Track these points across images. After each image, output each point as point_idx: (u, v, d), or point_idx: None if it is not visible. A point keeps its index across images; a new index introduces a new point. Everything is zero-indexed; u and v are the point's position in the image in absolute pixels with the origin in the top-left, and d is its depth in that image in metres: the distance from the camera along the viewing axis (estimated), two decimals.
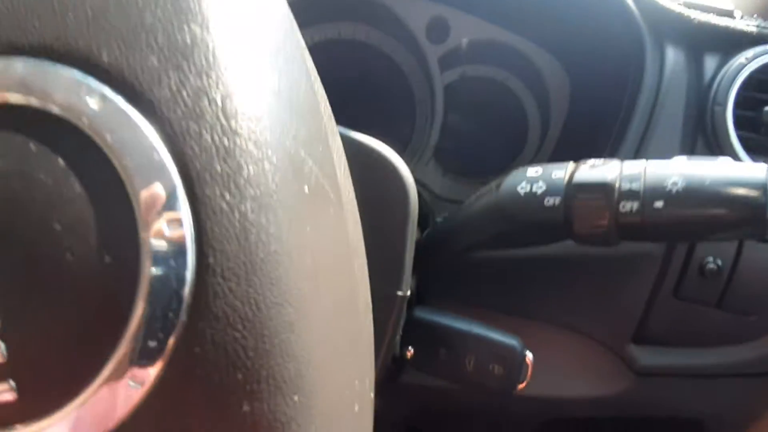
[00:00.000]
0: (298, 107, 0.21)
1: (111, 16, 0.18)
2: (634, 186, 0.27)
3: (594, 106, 0.43)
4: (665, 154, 0.37)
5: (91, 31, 0.18)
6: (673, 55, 0.37)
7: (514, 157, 0.47)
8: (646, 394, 0.37)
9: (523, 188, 0.29)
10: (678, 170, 0.26)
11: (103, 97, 0.17)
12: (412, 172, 0.48)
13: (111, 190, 0.17)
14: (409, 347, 0.35)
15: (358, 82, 0.49)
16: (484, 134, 0.48)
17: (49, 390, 0.16)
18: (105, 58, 0.18)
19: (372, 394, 0.27)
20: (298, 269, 0.18)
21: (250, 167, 0.18)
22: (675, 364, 0.38)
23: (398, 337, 0.34)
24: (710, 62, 0.38)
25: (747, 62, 0.37)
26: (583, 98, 0.44)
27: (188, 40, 0.18)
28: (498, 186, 0.31)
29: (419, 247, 0.32)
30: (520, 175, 0.30)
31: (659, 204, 0.26)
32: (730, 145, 0.36)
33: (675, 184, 0.26)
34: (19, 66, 0.17)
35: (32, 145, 0.17)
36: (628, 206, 0.26)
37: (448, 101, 0.47)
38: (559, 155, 0.45)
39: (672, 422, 0.35)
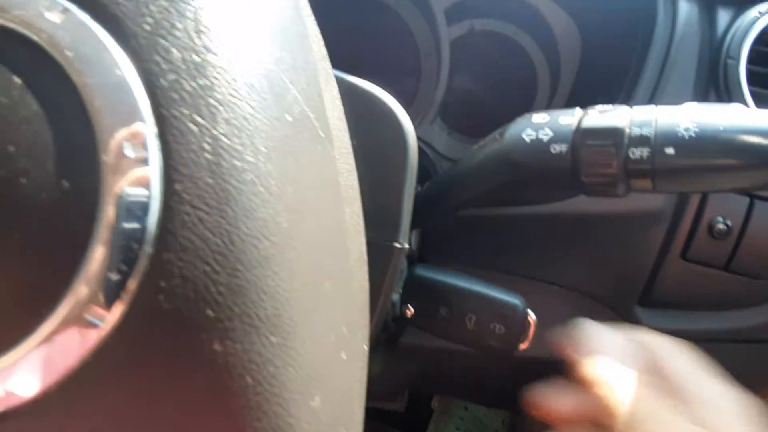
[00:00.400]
0: (283, 33, 0.19)
1: None
2: (645, 132, 0.25)
3: (605, 62, 0.40)
4: None
5: None
6: (685, 8, 0.35)
7: (522, 114, 0.45)
8: None
9: (529, 135, 0.27)
10: (690, 116, 0.24)
11: (65, 11, 0.16)
12: (417, 130, 0.46)
13: (71, 110, 0.15)
14: (409, 306, 0.34)
15: (362, 37, 0.46)
16: (492, 91, 0.45)
17: (2, 327, 0.15)
18: None
19: (365, 347, 0.26)
20: (278, 201, 0.17)
21: (224, 87, 0.16)
22: (681, 328, 0.36)
23: (397, 294, 0.33)
24: (723, 15, 0.36)
25: (760, 15, 0.34)
26: (593, 53, 0.42)
27: None
28: (502, 134, 0.29)
29: (420, 199, 0.31)
30: (525, 122, 0.28)
31: (670, 150, 0.24)
32: (743, 100, 0.34)
33: (687, 130, 0.24)
34: None
35: None
36: (638, 153, 0.25)
37: (455, 57, 0.45)
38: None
39: None
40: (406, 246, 0.29)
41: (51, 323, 0.15)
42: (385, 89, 0.47)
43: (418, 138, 0.45)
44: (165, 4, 0.16)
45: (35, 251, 0.15)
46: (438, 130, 0.46)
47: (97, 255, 0.15)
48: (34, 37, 0.15)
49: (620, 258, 0.36)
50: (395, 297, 0.34)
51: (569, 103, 0.43)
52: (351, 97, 0.29)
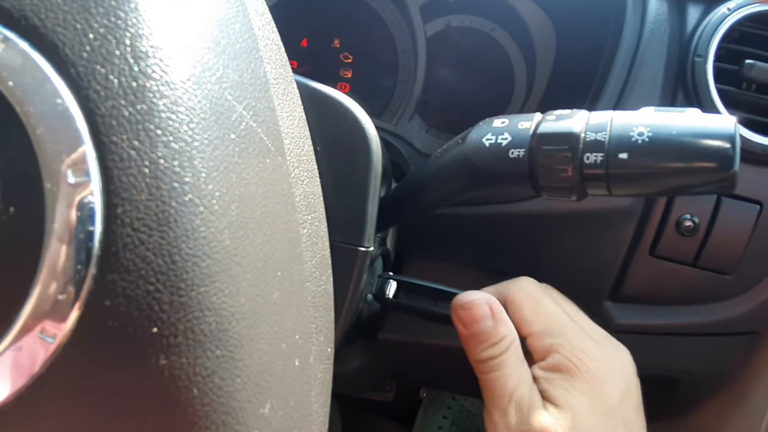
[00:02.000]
0: (228, 48, 0.20)
1: None
2: (599, 137, 0.25)
3: (579, 57, 0.40)
4: (645, 105, 0.35)
5: None
6: (654, 5, 0.35)
7: (501, 111, 0.45)
8: None
9: (488, 139, 0.28)
10: (644, 121, 0.24)
11: (5, 40, 0.16)
12: (395, 127, 0.47)
13: (13, 138, 0.16)
14: (390, 282, 0.35)
15: (339, 33, 0.46)
16: (469, 88, 0.46)
17: None
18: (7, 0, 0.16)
19: (330, 349, 0.26)
20: (219, 220, 0.17)
21: (162, 111, 0.16)
22: (651, 323, 0.37)
23: (367, 293, 0.34)
24: (693, 12, 0.36)
25: (729, 12, 0.34)
26: (568, 49, 0.42)
27: None
28: (464, 138, 0.29)
29: (386, 201, 0.31)
30: (486, 127, 0.28)
31: (624, 155, 0.24)
32: (710, 99, 0.34)
33: (641, 134, 0.24)
34: None
35: None
36: (593, 158, 0.25)
37: (432, 53, 0.45)
38: (545, 108, 0.43)
39: (648, 379, 0.34)
40: (371, 248, 0.29)
41: (4, 342, 0.16)
42: (362, 85, 0.47)
43: (396, 135, 0.46)
44: (102, 31, 0.16)
45: None
46: (416, 127, 0.46)
47: (45, 277, 0.15)
48: None
49: (590, 254, 0.36)
50: (369, 297, 0.35)
51: (546, 98, 0.43)
52: (314, 104, 0.30)
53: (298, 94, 0.27)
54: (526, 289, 0.32)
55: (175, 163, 0.16)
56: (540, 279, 0.37)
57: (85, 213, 0.15)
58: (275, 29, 0.26)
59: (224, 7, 0.20)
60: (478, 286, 0.40)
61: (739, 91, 0.34)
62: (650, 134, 0.24)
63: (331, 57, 0.46)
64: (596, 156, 0.25)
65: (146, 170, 0.16)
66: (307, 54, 0.46)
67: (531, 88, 0.44)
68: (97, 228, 0.16)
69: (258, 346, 0.18)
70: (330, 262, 0.27)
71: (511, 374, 0.30)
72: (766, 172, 0.34)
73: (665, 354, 0.38)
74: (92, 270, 0.16)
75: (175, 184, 0.16)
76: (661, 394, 0.41)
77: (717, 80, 0.34)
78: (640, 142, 0.24)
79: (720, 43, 0.34)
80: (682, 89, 0.35)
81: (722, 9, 0.34)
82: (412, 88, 0.45)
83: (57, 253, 0.15)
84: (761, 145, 0.33)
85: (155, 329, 0.16)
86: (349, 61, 0.46)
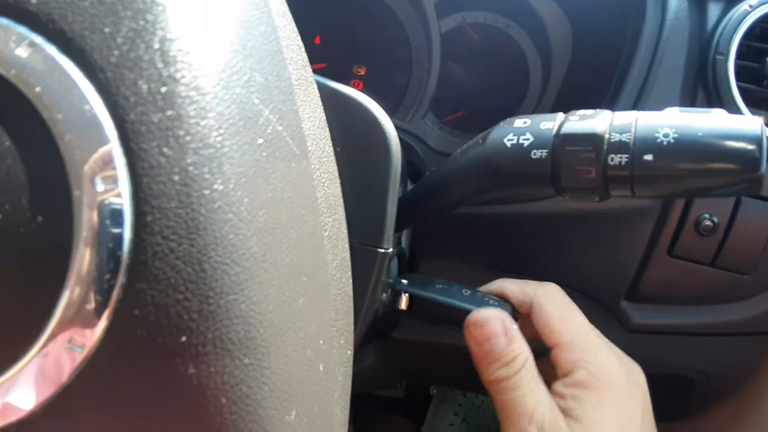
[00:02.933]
0: (254, 50, 0.19)
1: None
2: (624, 138, 0.25)
3: (597, 54, 0.40)
4: (665, 105, 0.34)
5: None
6: (675, 1, 0.34)
7: (515, 109, 0.45)
8: (638, 351, 0.35)
9: (510, 140, 0.27)
10: (669, 122, 0.24)
11: (33, 45, 0.16)
12: (408, 124, 0.46)
13: (42, 145, 0.15)
14: (402, 295, 0.34)
15: (353, 30, 0.46)
16: (484, 84, 0.45)
17: None
18: (34, 3, 0.16)
19: (349, 351, 0.26)
20: (248, 226, 0.17)
21: (192, 117, 0.16)
22: (668, 322, 0.36)
23: (383, 294, 0.33)
24: (714, 9, 0.35)
25: (751, 9, 0.33)
26: (585, 46, 0.41)
27: None
28: (485, 138, 0.29)
29: (405, 202, 0.31)
30: (507, 127, 0.28)
31: (649, 157, 0.24)
32: (731, 97, 0.33)
33: (666, 136, 0.24)
34: None
35: None
36: (617, 159, 0.25)
37: (447, 50, 0.45)
38: (560, 106, 0.43)
39: (664, 378, 0.34)
40: (391, 250, 0.29)
41: (33, 349, 0.15)
42: (377, 82, 0.47)
43: (410, 133, 0.45)
44: (131, 35, 0.16)
45: (17, 283, 0.15)
46: (430, 125, 0.46)
47: (73, 286, 0.15)
48: (3, 73, 0.15)
49: (607, 254, 0.36)
50: (384, 296, 0.35)
51: (561, 96, 0.43)
52: (334, 104, 0.29)
53: (319, 95, 0.26)
54: (557, 298, 0.31)
55: (205, 169, 0.16)
56: (557, 278, 0.37)
57: (114, 221, 0.15)
58: (296, 29, 0.26)
59: (249, 9, 0.20)
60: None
61: (761, 89, 0.33)
62: (676, 135, 0.24)
63: (344, 54, 0.46)
64: (621, 157, 0.24)
65: (176, 177, 0.16)
66: (321, 51, 0.46)
67: (546, 86, 0.43)
68: (126, 236, 0.15)
69: (285, 353, 0.18)
70: (349, 264, 0.26)
71: (527, 394, 0.29)
72: None
73: (681, 354, 0.37)
74: (121, 279, 0.15)
75: (205, 192, 0.16)
76: (676, 394, 0.41)
77: (738, 78, 0.33)
78: (665, 143, 0.24)
79: (741, 40, 0.33)
80: (703, 87, 0.34)
81: (744, 6, 0.34)
82: (426, 85, 0.45)
83: (85, 262, 0.15)
84: None
85: (184, 338, 0.16)
86: (363, 58, 0.46)
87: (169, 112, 0.16)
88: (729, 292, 0.35)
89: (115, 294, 0.15)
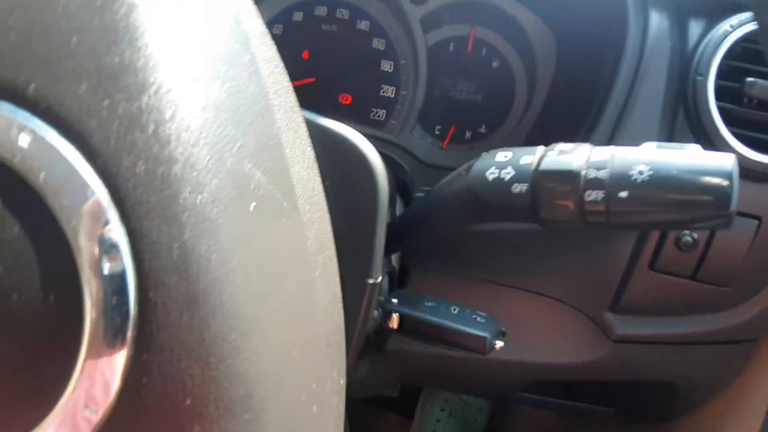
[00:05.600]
0: (244, 115, 0.21)
1: (36, 42, 0.18)
2: (600, 174, 0.26)
3: (581, 69, 0.41)
4: (647, 123, 0.36)
5: (16, 60, 0.18)
6: (657, 20, 0.36)
7: (501, 120, 0.46)
8: (622, 360, 0.38)
9: (492, 173, 0.29)
10: (645, 159, 0.26)
11: (33, 132, 0.17)
12: (397, 137, 0.48)
13: (49, 229, 0.17)
14: (393, 315, 0.36)
15: (340, 44, 0.47)
16: (470, 97, 0.46)
17: (13, 420, 0.17)
18: (33, 88, 0.17)
19: (342, 381, 0.28)
20: (243, 291, 0.19)
21: (188, 195, 0.17)
22: (651, 332, 0.38)
23: (374, 312, 0.35)
24: (695, 28, 0.36)
25: (732, 30, 0.35)
26: (569, 60, 0.43)
27: (117, 63, 0.18)
28: (468, 169, 0.30)
29: (395, 228, 0.33)
30: (489, 160, 0.29)
31: (624, 194, 0.25)
32: (710, 117, 0.35)
33: (641, 173, 0.25)
34: None
35: None
36: (594, 195, 0.26)
37: (433, 64, 0.46)
38: (545, 118, 0.44)
39: (647, 385, 0.36)
40: (380, 280, 0.31)
41: (53, 418, 0.17)
42: (365, 96, 0.48)
43: (399, 146, 0.47)
44: (127, 119, 0.17)
45: (34, 358, 0.17)
46: (418, 137, 0.47)
47: (87, 358, 0.17)
48: (7, 161, 0.17)
49: (591, 268, 0.38)
50: (375, 314, 0.36)
51: (546, 108, 0.44)
52: (322, 140, 0.30)
53: (307, 133, 0.28)
54: None
55: (202, 243, 0.18)
56: (542, 290, 0.39)
57: (120, 297, 0.17)
58: (283, 68, 0.27)
59: (239, 75, 0.21)
60: (481, 299, 0.42)
61: (740, 109, 0.35)
62: (651, 173, 0.25)
63: (332, 68, 0.47)
64: (597, 193, 0.26)
65: (175, 253, 0.17)
66: (309, 65, 0.47)
67: (532, 98, 0.45)
68: (132, 310, 0.17)
69: (281, 404, 0.20)
70: (340, 296, 0.28)
71: None
72: (765, 188, 0.35)
73: (665, 362, 0.40)
74: (129, 351, 0.17)
75: (203, 263, 0.17)
76: (659, 397, 0.43)
77: (718, 97, 0.35)
78: (639, 180, 0.25)
79: (722, 60, 0.35)
80: (683, 106, 0.36)
81: (724, 26, 0.35)
82: (413, 99, 0.46)
83: (96, 335, 0.17)
84: (761, 163, 0.34)
85: (189, 401, 0.17)
86: (351, 73, 0.47)
87: (167, 192, 0.17)
88: (709, 304, 0.37)
89: (124, 365, 0.17)
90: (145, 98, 0.17)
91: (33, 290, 0.17)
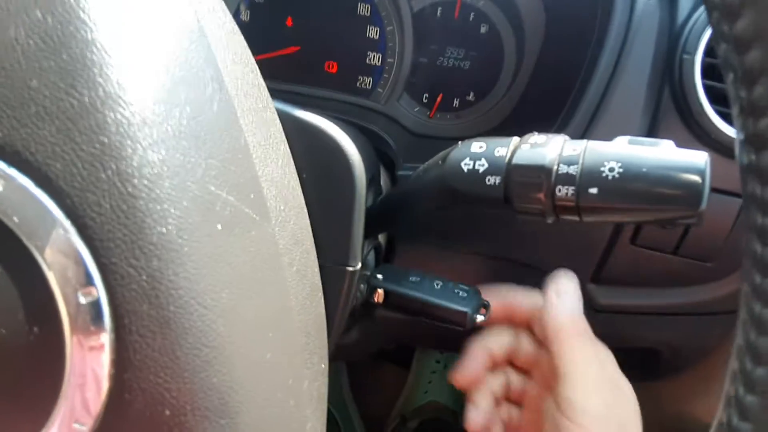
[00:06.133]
0: (207, 136, 0.22)
1: None
2: (571, 170, 0.27)
3: (568, 39, 0.40)
4: (631, 100, 0.36)
5: None
6: None
7: (489, 87, 0.46)
8: (605, 328, 0.40)
9: (466, 164, 0.30)
10: (616, 155, 0.26)
11: (5, 177, 0.18)
12: (384, 106, 0.48)
13: (27, 268, 0.18)
14: (378, 290, 0.38)
15: (325, 11, 0.46)
16: (458, 63, 0.46)
17: None
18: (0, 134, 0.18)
19: (323, 365, 0.30)
20: (212, 311, 0.20)
21: (152, 227, 0.19)
22: (633, 303, 0.40)
23: (360, 286, 0.37)
24: (685, 2, 0.35)
25: None
26: (557, 30, 0.42)
27: (76, 105, 0.19)
28: (444, 159, 0.31)
29: (372, 214, 0.34)
30: (464, 150, 0.30)
31: (594, 190, 0.26)
32: (696, 96, 0.34)
33: (612, 170, 0.26)
34: None
35: None
36: (564, 190, 0.27)
37: (419, 30, 0.45)
38: (533, 87, 0.44)
39: (630, 351, 0.38)
40: (359, 266, 0.32)
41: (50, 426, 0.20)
42: (350, 66, 0.48)
43: (385, 115, 0.47)
44: (89, 159, 0.18)
45: (22, 384, 0.19)
46: (405, 106, 0.47)
47: (72, 379, 0.19)
48: None
49: (572, 242, 0.39)
50: (361, 287, 0.39)
51: (534, 77, 0.44)
52: (298, 132, 0.31)
53: (280, 129, 0.28)
54: (564, 323, 0.35)
55: (170, 271, 0.19)
56: (528, 261, 0.40)
57: (98, 326, 0.19)
58: (254, 65, 0.27)
59: (201, 94, 0.22)
60: (466, 270, 0.43)
61: (726, 86, 0.34)
62: (621, 170, 0.26)
63: (317, 36, 0.47)
64: (567, 188, 0.27)
65: (144, 283, 0.19)
66: (294, 33, 0.46)
67: (520, 66, 0.44)
68: (109, 337, 0.19)
69: (257, 404, 0.22)
70: (320, 286, 0.30)
71: None
72: None
73: (647, 331, 0.42)
74: (110, 371, 0.19)
75: (172, 291, 0.19)
76: (642, 361, 0.45)
77: (705, 75, 0.34)
78: (610, 177, 0.26)
79: (709, 39, 0.34)
80: (669, 84, 0.35)
81: None
82: (400, 66, 0.46)
83: (79, 360, 0.19)
84: None
85: (168, 412, 0.20)
86: (336, 40, 0.47)
87: (132, 227, 0.19)
88: (691, 277, 0.39)
89: (107, 384, 0.19)
90: (104, 138, 0.19)
91: (17, 325, 0.19)
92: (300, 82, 0.47)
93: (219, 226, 0.21)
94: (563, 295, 0.35)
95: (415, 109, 0.47)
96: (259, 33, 0.46)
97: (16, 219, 0.18)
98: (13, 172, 0.18)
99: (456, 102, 0.47)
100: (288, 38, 0.47)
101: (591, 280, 0.41)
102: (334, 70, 0.47)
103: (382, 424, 0.77)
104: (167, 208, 0.19)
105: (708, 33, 0.34)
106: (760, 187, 0.17)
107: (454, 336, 0.48)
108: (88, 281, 0.18)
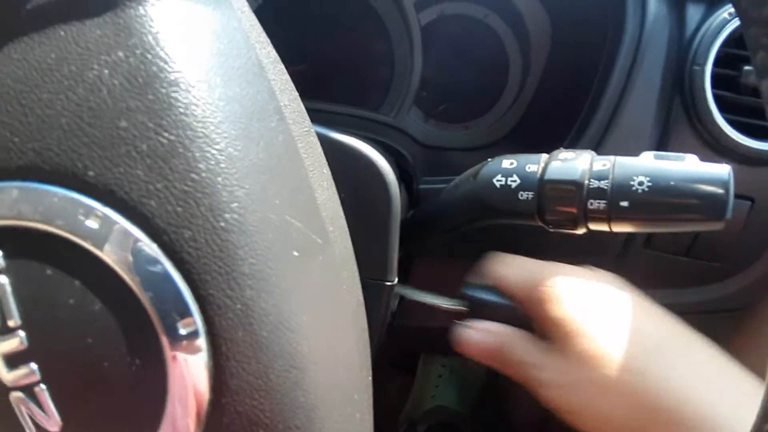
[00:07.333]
0: (278, 167, 0.24)
1: (86, 126, 0.20)
2: (603, 184, 0.30)
3: (575, 51, 0.44)
4: (643, 112, 0.39)
5: (70, 146, 0.20)
6: (654, 7, 0.38)
7: (496, 98, 0.49)
8: None
9: (498, 180, 0.33)
10: (644, 169, 0.29)
11: (98, 215, 0.20)
12: (394, 119, 0.50)
13: (128, 302, 0.20)
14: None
15: (334, 27, 0.49)
16: (465, 76, 0.49)
17: None
18: (91, 173, 0.20)
19: (369, 377, 0.33)
20: (297, 333, 0.23)
21: (244, 259, 0.21)
22: None
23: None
24: (693, 14, 0.39)
25: (730, 18, 0.38)
26: (564, 42, 0.45)
27: (166, 144, 0.21)
28: (475, 175, 0.34)
29: (404, 229, 0.37)
30: (496, 166, 0.33)
31: (625, 204, 0.30)
32: (706, 106, 0.38)
33: (641, 184, 0.29)
34: (15, 192, 0.20)
35: (48, 270, 0.20)
36: (596, 204, 0.30)
37: (427, 42, 0.48)
38: (539, 99, 0.47)
39: None
40: (396, 280, 0.35)
41: None
42: (360, 80, 0.50)
43: (396, 128, 0.50)
44: (183, 197, 0.20)
45: (125, 413, 0.21)
46: (414, 118, 0.50)
47: (173, 407, 0.21)
48: (81, 244, 0.20)
49: (589, 248, 0.42)
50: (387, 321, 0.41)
51: (540, 89, 0.47)
52: (335, 153, 0.34)
53: (321, 151, 0.31)
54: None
55: (261, 300, 0.21)
56: None
57: (197, 353, 0.21)
58: (295, 92, 0.30)
59: (270, 129, 0.24)
60: None
61: (737, 96, 0.38)
62: (650, 184, 0.29)
63: (326, 52, 0.49)
64: (599, 203, 0.30)
65: (240, 312, 0.21)
66: (301, 50, 0.49)
67: (526, 76, 0.48)
68: (208, 363, 0.21)
69: (334, 420, 0.24)
70: (363, 301, 0.32)
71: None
72: (758, 171, 0.39)
73: None
74: (209, 395, 0.21)
75: (263, 318, 0.21)
76: None
77: (715, 85, 0.38)
78: (639, 191, 0.29)
79: (719, 48, 0.38)
80: (680, 94, 0.39)
81: (723, 14, 0.38)
82: (409, 79, 0.48)
83: (180, 388, 0.21)
84: (754, 149, 0.38)
85: (261, 430, 0.22)
86: (345, 55, 0.49)
87: (227, 259, 0.21)
88: (703, 277, 0.42)
89: (205, 407, 0.21)
90: (195, 176, 0.21)
91: (119, 356, 0.20)
92: (309, 97, 0.49)
93: (296, 253, 0.23)
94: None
95: (424, 121, 0.50)
96: None
97: (114, 256, 0.20)
98: (108, 211, 0.20)
99: (464, 113, 0.50)
100: (296, 54, 0.49)
101: None
102: (344, 84, 0.50)
103: (389, 430, 0.80)
104: (256, 239, 0.21)
105: (717, 45, 0.38)
106: None
107: None
108: (187, 312, 0.20)
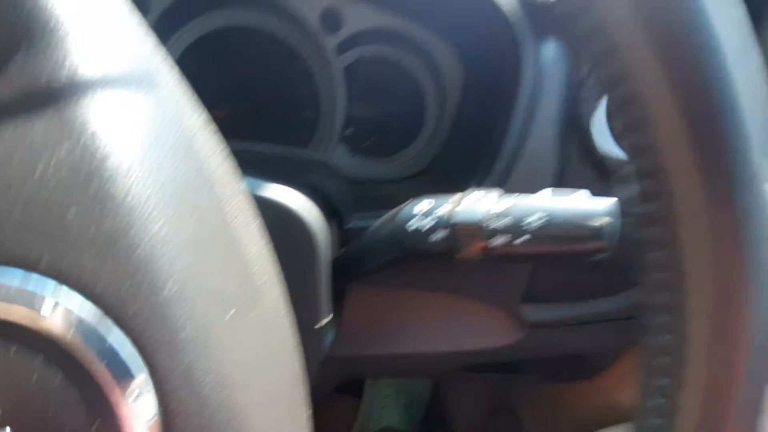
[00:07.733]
0: (211, 237, 0.27)
1: (39, 217, 0.23)
2: (504, 222, 0.35)
3: (485, 88, 0.49)
4: (544, 146, 0.45)
5: (25, 235, 0.23)
6: (549, 48, 0.44)
7: (416, 133, 0.54)
8: (537, 341, 0.49)
9: (410, 225, 0.37)
10: (540, 207, 0.35)
11: (53, 298, 0.23)
12: (322, 157, 0.54)
13: (85, 371, 0.23)
14: None
15: (256, 71, 0.52)
16: (387, 112, 0.54)
17: None
18: (45, 262, 0.23)
19: (308, 413, 0.37)
20: (235, 386, 0.26)
21: (183, 328, 0.24)
22: (560, 317, 0.49)
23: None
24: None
25: None
26: (475, 83, 0.50)
27: (109, 230, 0.24)
28: (393, 218, 0.38)
29: (338, 266, 0.40)
30: (408, 212, 0.38)
31: (521, 239, 0.35)
32: (600, 139, 0.44)
33: (540, 218, 0.34)
34: None
35: (13, 348, 0.23)
36: (499, 240, 0.35)
37: (350, 83, 0.52)
38: (457, 131, 0.53)
39: (560, 357, 0.47)
40: (329, 317, 0.39)
41: None
42: (286, 120, 0.54)
43: (323, 164, 0.54)
44: (127, 278, 0.24)
45: None
46: (342, 154, 0.54)
47: None
48: (37, 329, 0.23)
49: (504, 271, 0.48)
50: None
51: (455, 126, 0.53)
52: (261, 209, 0.37)
53: (253, 209, 0.34)
54: None
55: (200, 361, 0.25)
56: (466, 292, 0.48)
57: (148, 412, 0.24)
58: (226, 152, 0.33)
59: (204, 199, 0.27)
60: (409, 306, 0.51)
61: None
62: (547, 218, 0.34)
63: (252, 95, 0.52)
64: (501, 238, 0.35)
65: (183, 373, 0.24)
66: (227, 95, 0.52)
67: (443, 111, 0.53)
68: (159, 419, 0.24)
69: None
70: (297, 342, 0.36)
71: None
72: None
73: (573, 339, 0.51)
74: None
75: (204, 377, 0.25)
76: (572, 364, 0.55)
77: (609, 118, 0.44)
78: (534, 226, 0.34)
79: None
80: (577, 129, 0.45)
81: None
82: (333, 119, 0.52)
83: None
84: None
85: None
86: (269, 98, 0.52)
87: (168, 327, 0.24)
88: (607, 288, 0.49)
89: None
90: (135, 257, 0.24)
91: (80, 419, 0.23)
92: (239, 137, 0.52)
93: (231, 311, 0.27)
94: None
95: (351, 156, 0.54)
96: None
97: (72, 331, 0.23)
98: (63, 290, 0.23)
99: (387, 148, 0.54)
100: (221, 97, 0.52)
101: (522, 300, 0.50)
102: (269, 125, 0.53)
103: None
104: (193, 308, 0.25)
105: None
106: None
107: (405, 368, 0.56)
108: (139, 376, 0.24)
